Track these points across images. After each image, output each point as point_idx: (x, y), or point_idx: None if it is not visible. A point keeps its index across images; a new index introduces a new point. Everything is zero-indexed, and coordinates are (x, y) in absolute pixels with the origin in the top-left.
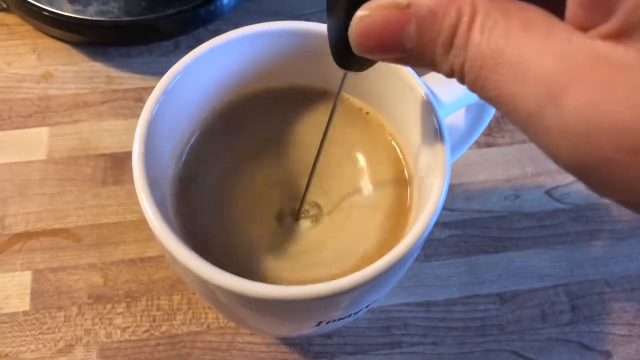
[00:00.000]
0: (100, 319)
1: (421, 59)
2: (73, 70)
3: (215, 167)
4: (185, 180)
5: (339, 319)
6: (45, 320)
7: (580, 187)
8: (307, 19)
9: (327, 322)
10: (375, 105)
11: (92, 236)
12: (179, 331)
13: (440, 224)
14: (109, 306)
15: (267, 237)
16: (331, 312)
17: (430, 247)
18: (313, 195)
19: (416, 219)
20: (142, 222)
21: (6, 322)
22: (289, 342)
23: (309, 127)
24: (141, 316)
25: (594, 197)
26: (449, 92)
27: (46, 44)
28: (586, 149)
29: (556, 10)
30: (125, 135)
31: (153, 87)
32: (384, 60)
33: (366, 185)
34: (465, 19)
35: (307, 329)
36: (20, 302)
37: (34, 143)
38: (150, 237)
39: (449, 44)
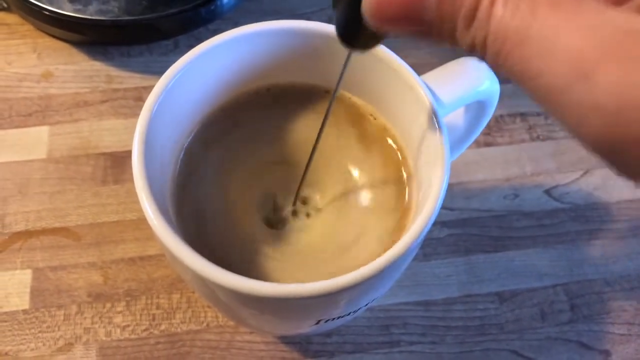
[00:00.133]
0: (100, 317)
1: (440, 32)
2: (73, 70)
3: (215, 166)
4: (184, 179)
5: (338, 318)
6: (45, 319)
7: (579, 187)
8: (307, 18)
9: (326, 321)
10: (375, 104)
11: (92, 235)
12: (179, 330)
13: (439, 223)
14: (108, 305)
15: (267, 235)
16: (330, 311)
17: (430, 246)
18: (311, 194)
19: (415, 218)
20: (142, 221)
21: (6, 321)
22: (288, 341)
23: (309, 126)
24: (141, 315)
25: (593, 196)
26: (448, 91)
27: (46, 44)
28: (617, 127)
29: None
30: (125, 134)
31: (153, 86)
32: (399, 33)
33: (365, 184)
34: None
35: (306, 327)
36: (20, 301)
37: (34, 142)
38: (150, 236)
39: (471, 17)
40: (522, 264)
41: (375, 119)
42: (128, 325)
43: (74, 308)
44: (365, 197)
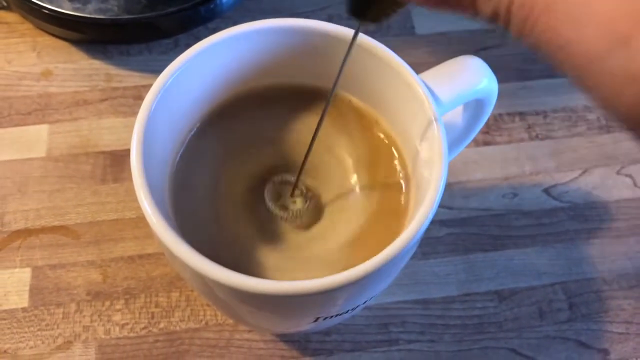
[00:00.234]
0: (99, 315)
1: (459, 0)
2: (73, 68)
3: (213, 164)
4: (183, 177)
5: (336, 315)
6: (44, 317)
7: (578, 186)
8: (307, 17)
9: (325, 319)
10: (373, 103)
11: (91, 233)
12: (177, 328)
13: (438, 222)
14: (107, 303)
15: (266, 233)
16: (327, 308)
17: (429, 245)
18: (309, 193)
19: (413, 216)
20: (141, 220)
21: (5, 319)
22: (287, 339)
23: (308, 125)
24: (140, 313)
25: (592, 195)
26: (446, 89)
27: (46, 42)
28: None
29: None
30: (124, 132)
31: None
32: (416, 2)
33: (362, 182)
34: None
35: (305, 325)
36: (19, 299)
37: (33, 140)
38: (149, 234)
39: None
40: (521, 262)
41: (373, 117)
42: (127, 324)
43: (73, 306)
44: (362, 195)
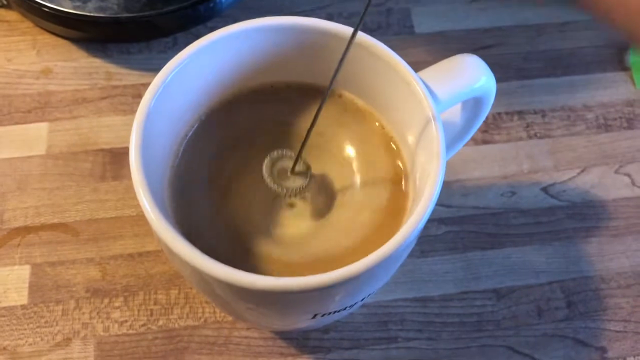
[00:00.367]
0: (98, 312)
1: None
2: (73, 67)
3: (212, 161)
4: (182, 174)
5: (334, 312)
6: (43, 314)
7: (576, 185)
8: (307, 15)
9: (323, 315)
10: (371, 101)
11: (91, 231)
12: (176, 325)
13: (436, 220)
14: (106, 300)
15: (265, 230)
16: (325, 305)
17: (427, 243)
18: (308, 190)
19: (411, 213)
20: (140, 217)
21: (4, 316)
22: (286, 337)
23: (307, 122)
24: (138, 310)
25: (590, 194)
26: (444, 87)
27: (46, 40)
28: None
29: None
30: (124, 130)
31: None
32: None
33: (361, 180)
34: None
35: (303, 322)
36: (19, 296)
37: (33, 138)
38: (148, 232)
39: None
40: (519, 261)
41: (371, 115)
42: (126, 321)
43: (72, 303)
44: (361, 192)
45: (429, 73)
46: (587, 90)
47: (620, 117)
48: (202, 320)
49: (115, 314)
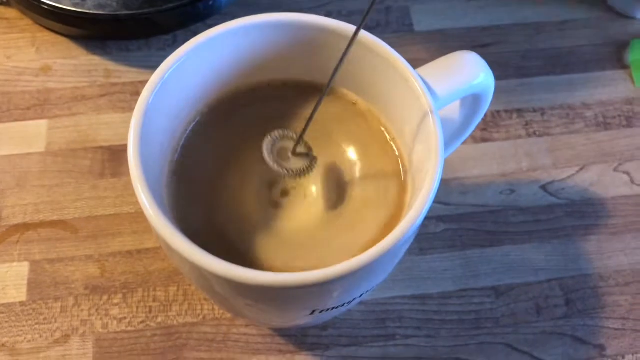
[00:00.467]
0: (97, 309)
1: None
2: (72, 64)
3: (211, 158)
4: (181, 171)
5: (333, 308)
6: (42, 311)
7: (575, 183)
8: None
9: (321, 312)
10: (370, 98)
11: (90, 228)
12: (175, 322)
13: (435, 217)
14: (105, 297)
15: (263, 226)
16: (324, 301)
17: (426, 240)
18: (307, 185)
19: (409, 209)
20: (139, 215)
21: (3, 313)
22: (284, 334)
23: (304, 121)
24: (137, 307)
25: (589, 192)
26: (443, 84)
27: (45, 38)
28: None
29: None
30: (123, 128)
31: None
32: None
33: (359, 176)
34: None
35: (302, 318)
36: (17, 293)
37: (32, 135)
38: (147, 229)
39: None
40: (518, 258)
41: (370, 112)
42: (125, 318)
43: (71, 300)
44: (359, 189)
45: (427, 70)
46: (586, 88)
47: (620, 116)
48: (201, 317)
49: (114, 311)
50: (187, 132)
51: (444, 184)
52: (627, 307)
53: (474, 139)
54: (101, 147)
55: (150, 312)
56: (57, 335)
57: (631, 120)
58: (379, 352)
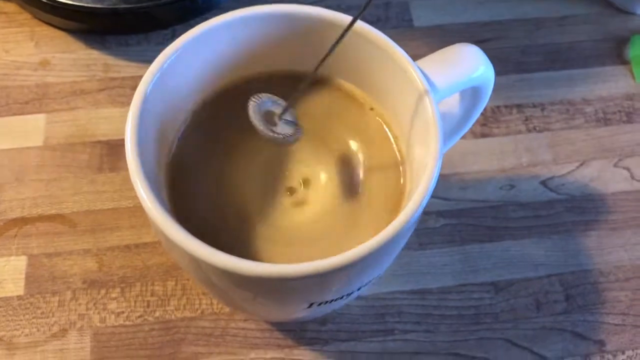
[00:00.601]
0: (95, 304)
1: None
2: (71, 58)
3: (208, 149)
4: (178, 163)
5: (331, 301)
6: (40, 305)
7: (575, 178)
8: None
9: (319, 304)
10: (368, 89)
11: (88, 222)
12: (173, 317)
13: (434, 212)
14: (103, 291)
15: (261, 217)
16: (322, 293)
17: (425, 235)
18: (305, 178)
19: (408, 200)
20: (137, 209)
21: (0, 307)
22: (283, 328)
23: (304, 110)
24: (135, 301)
25: (589, 188)
26: (442, 76)
27: (44, 32)
28: None
29: None
30: (121, 122)
31: None
32: None
33: (357, 169)
34: None
35: (300, 311)
36: (15, 287)
37: (31, 130)
38: (145, 223)
39: None
40: (518, 254)
41: (368, 104)
42: (122, 312)
43: (69, 294)
44: (357, 181)
45: (426, 62)
46: (586, 84)
47: (620, 111)
48: (199, 311)
49: (112, 305)
50: (184, 125)
51: (444, 179)
52: (627, 302)
53: (473, 134)
54: (99, 142)
55: (148, 306)
56: (55, 329)
57: (631, 116)
58: (378, 347)
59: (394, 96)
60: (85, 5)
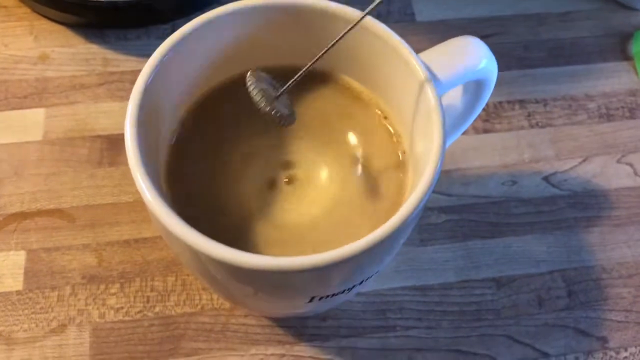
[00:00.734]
0: (94, 299)
1: None
2: (70, 52)
3: (208, 143)
4: (178, 156)
5: (332, 295)
6: (39, 300)
7: (578, 174)
8: None
9: (320, 299)
10: (370, 83)
11: (87, 217)
12: (173, 312)
13: (436, 208)
14: (102, 286)
15: (263, 214)
16: (323, 287)
17: (427, 231)
18: (305, 172)
19: (410, 194)
20: (137, 204)
21: None
22: (283, 324)
23: (306, 105)
24: (135, 297)
25: (591, 183)
26: (445, 68)
27: (43, 26)
28: None
29: None
30: (121, 117)
31: None
32: None
33: (359, 162)
34: None
35: (301, 306)
36: (14, 282)
37: (30, 124)
38: (145, 218)
39: None
40: (520, 250)
41: (370, 97)
42: (122, 307)
43: (68, 289)
44: (359, 176)
45: (429, 54)
46: (589, 79)
47: (623, 107)
48: (199, 307)
49: (111, 301)
50: (184, 118)
51: (446, 174)
52: (630, 299)
53: (475, 129)
54: (99, 136)
55: (147, 301)
56: (54, 324)
57: (634, 112)
58: (379, 343)
59: (397, 89)
60: None
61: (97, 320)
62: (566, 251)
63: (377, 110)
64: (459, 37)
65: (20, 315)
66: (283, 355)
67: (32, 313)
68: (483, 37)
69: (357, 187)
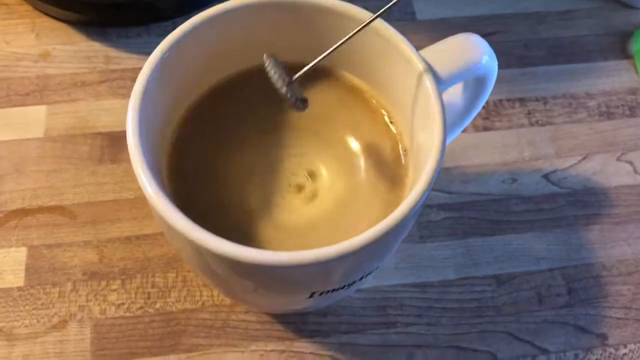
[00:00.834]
0: (95, 295)
1: None
2: (71, 50)
3: (210, 138)
4: (179, 153)
5: (332, 291)
6: (40, 296)
7: (577, 172)
8: None
9: (321, 294)
10: (371, 80)
11: (88, 213)
12: (174, 308)
13: (436, 206)
14: (103, 283)
15: (265, 210)
16: (324, 282)
17: (427, 228)
18: (307, 169)
19: (410, 189)
20: (138, 200)
21: (0, 298)
22: (284, 321)
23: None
24: (136, 293)
25: (591, 181)
26: (446, 65)
27: (44, 24)
28: None
29: None
30: (122, 114)
31: None
32: None
33: (360, 159)
34: None
35: (301, 301)
36: (15, 278)
37: (31, 121)
38: (146, 215)
39: None
40: (520, 247)
41: (371, 94)
42: (123, 304)
43: (69, 286)
44: (360, 172)
45: (430, 51)
46: (589, 78)
47: (623, 105)
48: (200, 303)
49: (112, 297)
50: (186, 115)
51: (446, 172)
52: (630, 296)
53: (475, 127)
54: (100, 133)
55: (148, 298)
56: (55, 320)
57: (634, 110)
58: (379, 340)
59: (397, 86)
60: None
61: (98, 316)
62: (566, 249)
63: (377, 107)
64: (459, 34)
65: (21, 311)
66: (283, 351)
67: (34, 309)
68: (483, 36)
69: (357, 183)
